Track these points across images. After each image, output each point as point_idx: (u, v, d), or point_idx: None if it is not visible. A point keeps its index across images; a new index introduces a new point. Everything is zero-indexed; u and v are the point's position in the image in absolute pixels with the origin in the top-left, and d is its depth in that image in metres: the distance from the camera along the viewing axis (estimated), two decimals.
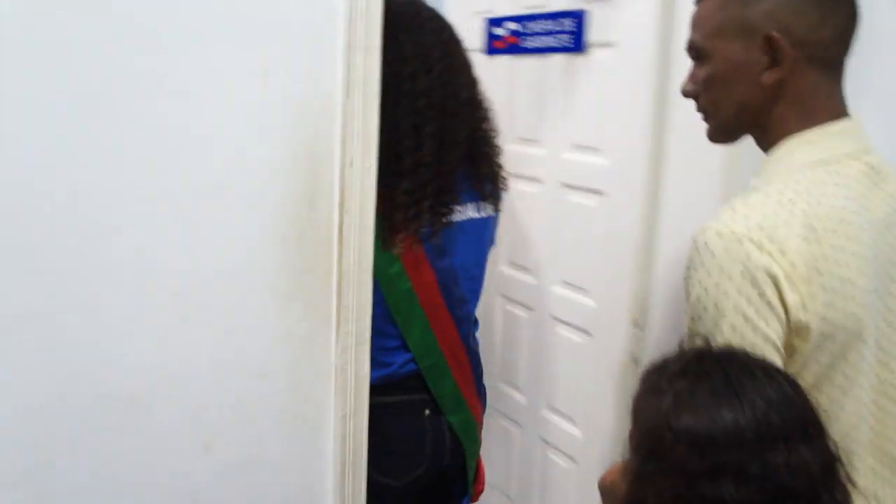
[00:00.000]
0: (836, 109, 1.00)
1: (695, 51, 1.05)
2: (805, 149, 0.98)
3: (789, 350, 0.92)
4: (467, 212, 1.50)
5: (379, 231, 1.28)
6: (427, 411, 1.52)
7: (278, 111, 1.09)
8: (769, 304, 0.88)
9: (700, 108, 1.08)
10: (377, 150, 1.20)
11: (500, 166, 1.57)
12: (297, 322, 1.18)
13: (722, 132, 1.08)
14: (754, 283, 0.88)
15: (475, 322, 1.66)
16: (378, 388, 1.41)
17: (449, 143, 1.40)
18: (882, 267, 0.97)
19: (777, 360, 0.89)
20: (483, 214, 1.54)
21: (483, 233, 1.56)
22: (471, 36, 1.97)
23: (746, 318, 0.88)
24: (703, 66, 1.04)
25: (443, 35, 1.43)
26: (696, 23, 1.05)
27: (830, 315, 0.90)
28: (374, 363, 1.36)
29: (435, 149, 1.38)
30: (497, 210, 1.59)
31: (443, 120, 1.39)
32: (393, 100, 1.31)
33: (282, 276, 1.15)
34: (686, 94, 1.08)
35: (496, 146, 1.56)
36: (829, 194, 0.93)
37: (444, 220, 1.43)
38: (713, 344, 0.89)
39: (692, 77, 1.06)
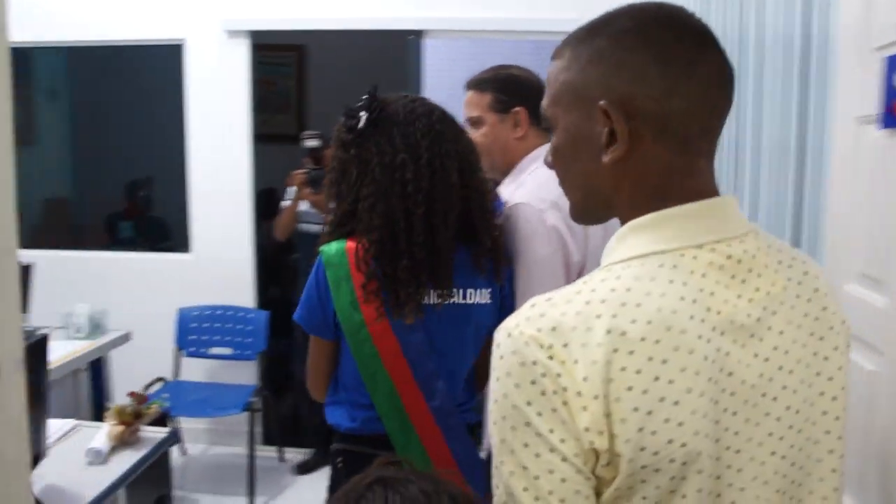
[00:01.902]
0: (694, 190, 0.83)
1: (543, 118, 0.93)
2: (638, 236, 0.83)
3: (600, 482, 0.78)
4: (452, 296, 1.58)
5: (353, 297, 1.53)
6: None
7: None
8: (562, 420, 0.75)
9: (560, 185, 0.94)
10: None
11: (494, 240, 1.62)
12: None
13: (577, 214, 0.94)
14: (543, 393, 0.75)
15: (466, 400, 1.70)
16: (348, 437, 1.64)
17: (439, 224, 1.52)
18: (726, 383, 0.79)
19: (585, 487, 0.76)
20: (471, 301, 1.60)
21: (465, 318, 1.61)
22: (866, 94, 1.35)
23: (539, 435, 0.75)
24: (552, 137, 0.92)
25: (433, 125, 1.54)
26: (546, 84, 0.92)
27: (649, 443, 0.75)
28: (347, 415, 1.64)
29: (426, 230, 1.51)
30: (499, 286, 1.64)
31: (432, 203, 1.51)
32: (387, 186, 1.50)
33: None
34: (547, 166, 0.95)
35: (490, 221, 1.61)
36: (657, 294, 0.77)
37: (426, 298, 1.55)
38: (507, 465, 0.78)
39: (549, 149, 0.94)
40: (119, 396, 3.55)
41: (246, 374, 3.78)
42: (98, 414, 3.32)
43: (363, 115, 1.54)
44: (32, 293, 3.40)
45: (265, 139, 5.65)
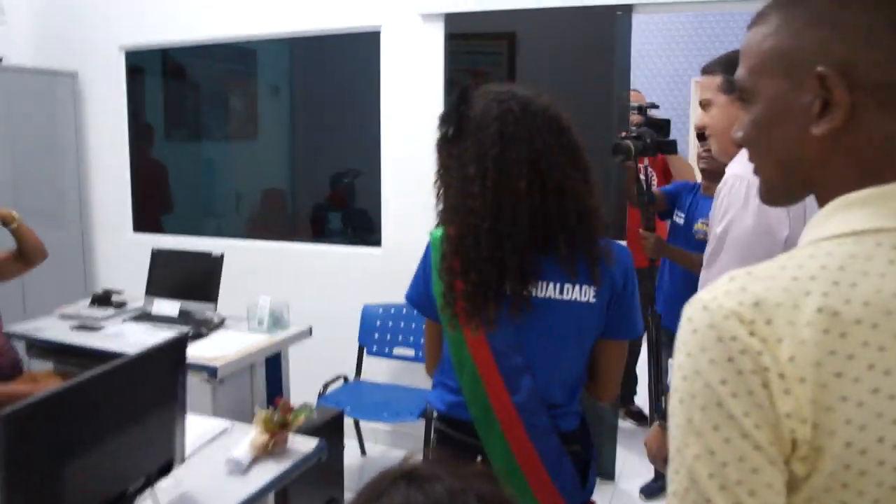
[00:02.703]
0: None
1: (740, 89, 0.85)
2: (852, 211, 0.75)
3: (793, 478, 0.69)
4: (546, 290, 1.54)
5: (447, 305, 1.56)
6: (479, 458, 1.61)
7: None
8: (759, 404, 0.68)
9: (750, 160, 0.87)
10: None
11: (591, 242, 1.53)
12: None
13: (771, 193, 0.86)
14: (740, 373, 0.69)
15: (563, 404, 1.62)
16: (441, 419, 1.70)
17: (505, 238, 1.48)
18: None
19: (777, 481, 0.69)
20: (569, 297, 1.54)
21: (561, 314, 1.55)
22: None
23: (731, 418, 0.69)
24: (748, 109, 0.84)
25: (506, 129, 1.48)
26: (743, 53, 0.84)
27: (861, 441, 0.67)
28: (440, 397, 1.68)
29: (492, 245, 1.48)
30: (608, 287, 1.56)
31: (497, 216, 1.48)
32: (459, 201, 1.51)
33: None
34: (737, 143, 0.87)
35: (587, 222, 1.52)
36: (875, 274, 0.70)
37: (508, 305, 1.52)
38: (693, 447, 0.71)
39: (740, 124, 0.86)
40: (298, 393, 3.49)
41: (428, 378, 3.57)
42: None
43: (449, 124, 1.55)
44: (224, 282, 3.43)
45: None
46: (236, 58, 5.68)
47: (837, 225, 0.75)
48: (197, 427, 2.23)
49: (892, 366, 0.67)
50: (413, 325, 3.62)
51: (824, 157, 0.77)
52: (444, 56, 3.68)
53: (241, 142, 5.75)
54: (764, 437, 0.68)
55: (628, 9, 3.45)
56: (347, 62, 4.59)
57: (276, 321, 3.30)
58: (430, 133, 3.77)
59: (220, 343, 3.10)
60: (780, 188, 0.84)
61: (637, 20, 3.51)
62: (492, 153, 1.48)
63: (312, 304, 3.72)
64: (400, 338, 3.63)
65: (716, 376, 0.70)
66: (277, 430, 2.09)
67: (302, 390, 3.48)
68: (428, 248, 1.68)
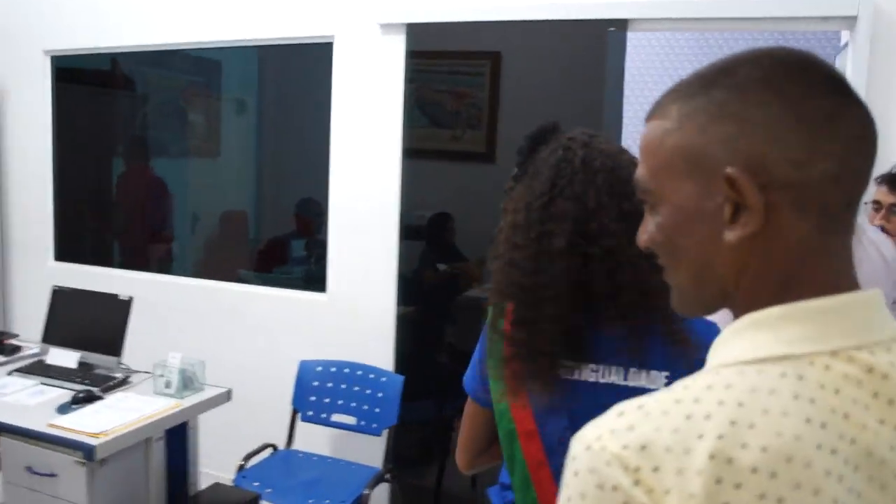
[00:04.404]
0: (831, 278, 0.69)
1: (641, 191, 0.76)
2: (758, 333, 0.68)
3: None
4: (608, 375, 1.38)
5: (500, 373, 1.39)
6: None
7: None
8: None
9: (662, 264, 0.78)
10: None
11: (661, 321, 1.34)
12: None
13: (684, 302, 0.78)
14: None
15: None
16: None
17: (546, 301, 1.34)
18: None
19: None
20: (634, 383, 1.37)
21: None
22: None
23: None
24: (652, 213, 0.76)
25: (557, 180, 1.37)
26: (643, 150, 0.76)
27: None
28: (499, 495, 1.55)
29: (535, 305, 1.35)
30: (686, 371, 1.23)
31: (538, 274, 1.35)
32: (503, 250, 1.40)
33: None
34: (643, 247, 0.79)
35: (648, 300, 1.31)
36: (777, 413, 0.61)
37: (553, 378, 1.37)
38: None
39: (644, 226, 0.79)
40: (214, 467, 2.95)
41: (371, 450, 3.03)
42: (171, 496, 2.68)
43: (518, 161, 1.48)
44: (140, 327, 2.91)
45: (458, 157, 5.11)
46: (198, 69, 5.23)
47: (741, 349, 0.68)
48: None
49: None
50: (356, 389, 3.07)
51: (739, 265, 0.71)
52: (405, 72, 3.16)
53: (201, 160, 5.29)
54: None
55: (622, 24, 2.95)
56: (323, 76, 4.15)
57: (188, 383, 2.75)
58: (385, 162, 3.39)
59: (110, 410, 2.55)
60: (693, 298, 0.78)
61: (635, 39, 3.01)
62: (537, 203, 1.37)
63: (243, 356, 3.19)
64: (340, 402, 3.09)
65: None
66: None
67: (220, 463, 2.94)
68: (485, 322, 1.49)
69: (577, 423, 1.36)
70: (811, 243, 0.68)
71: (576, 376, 1.38)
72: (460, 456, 1.59)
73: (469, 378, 1.54)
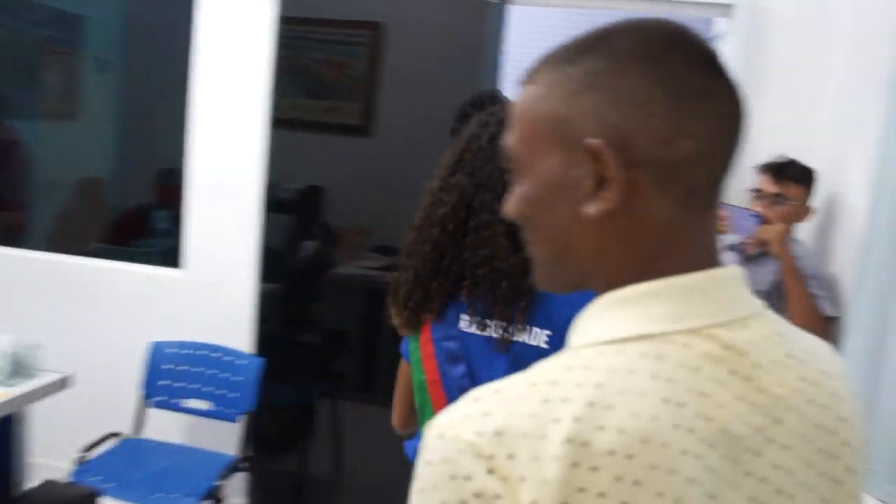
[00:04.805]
0: (693, 256, 0.68)
1: (509, 159, 0.74)
2: (618, 312, 0.67)
3: None
4: (489, 330, 1.40)
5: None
6: None
7: None
8: None
9: (525, 238, 0.76)
10: None
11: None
12: None
13: (544, 278, 0.76)
14: None
15: None
16: None
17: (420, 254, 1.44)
18: None
19: None
20: (535, 343, 1.39)
21: (521, 362, 1.26)
22: None
23: None
24: (520, 181, 0.74)
25: (465, 154, 1.42)
26: (513, 117, 0.73)
27: None
28: (413, 448, 1.58)
29: (413, 255, 1.45)
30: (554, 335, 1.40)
31: (418, 235, 1.45)
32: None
33: None
34: (509, 218, 0.76)
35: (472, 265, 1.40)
36: (635, 393, 0.61)
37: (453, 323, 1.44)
38: None
39: (512, 197, 0.75)
40: (54, 458, 2.72)
41: (228, 437, 2.86)
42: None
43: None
44: None
45: (334, 129, 4.94)
46: (57, 23, 4.83)
47: (602, 329, 0.67)
48: None
49: (649, 500, 0.59)
50: (211, 372, 2.89)
51: (598, 242, 0.69)
52: (278, 38, 2.97)
53: (58, 122, 4.91)
54: None
55: None
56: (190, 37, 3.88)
57: (19, 369, 2.50)
58: (249, 132, 3.20)
59: None
60: (553, 274, 0.75)
61: (518, 12, 2.94)
62: (442, 173, 1.43)
63: (89, 338, 2.95)
64: (194, 386, 2.90)
65: None
66: None
67: (60, 453, 2.71)
68: None
69: (474, 374, 1.41)
70: (675, 222, 0.67)
71: (464, 328, 1.42)
72: (393, 415, 1.65)
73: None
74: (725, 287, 0.69)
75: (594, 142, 0.65)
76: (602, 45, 0.68)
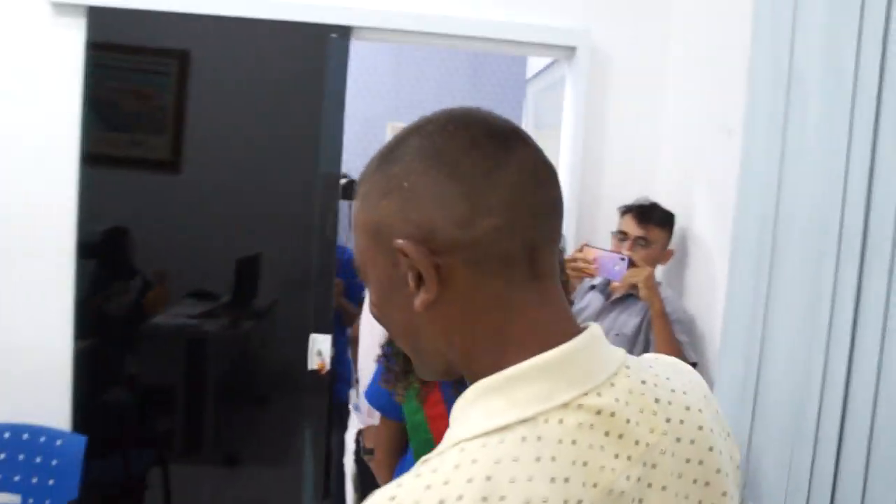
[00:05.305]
0: (542, 326, 0.70)
1: (356, 268, 0.80)
2: (489, 400, 0.68)
3: None
4: None
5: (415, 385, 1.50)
6: None
7: None
8: None
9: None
10: None
11: None
12: None
13: (419, 369, 0.79)
14: None
15: None
16: None
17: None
18: None
19: None
20: None
21: None
22: None
23: None
24: (368, 286, 0.79)
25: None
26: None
27: None
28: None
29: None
30: None
31: None
32: None
33: None
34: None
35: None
36: (523, 479, 0.62)
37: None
38: None
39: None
40: None
41: None
42: None
43: None
44: None
45: (137, 165, 4.48)
46: None
47: (479, 420, 0.67)
48: None
49: None
50: (22, 458, 2.45)
51: (442, 330, 0.71)
52: (86, 66, 2.62)
53: None
54: None
55: (346, 31, 2.71)
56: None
57: None
58: (60, 169, 2.76)
59: None
60: (422, 364, 0.78)
61: (360, 47, 2.80)
62: None
63: None
64: (6, 476, 2.44)
65: None
66: None
67: None
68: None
69: None
70: (506, 294, 0.70)
71: None
72: (383, 474, 1.62)
73: (374, 394, 1.59)
74: (587, 353, 0.70)
75: (399, 242, 0.69)
76: (398, 148, 0.72)
